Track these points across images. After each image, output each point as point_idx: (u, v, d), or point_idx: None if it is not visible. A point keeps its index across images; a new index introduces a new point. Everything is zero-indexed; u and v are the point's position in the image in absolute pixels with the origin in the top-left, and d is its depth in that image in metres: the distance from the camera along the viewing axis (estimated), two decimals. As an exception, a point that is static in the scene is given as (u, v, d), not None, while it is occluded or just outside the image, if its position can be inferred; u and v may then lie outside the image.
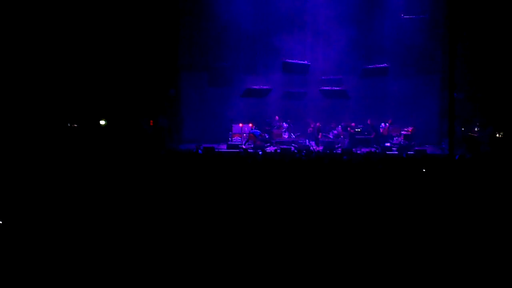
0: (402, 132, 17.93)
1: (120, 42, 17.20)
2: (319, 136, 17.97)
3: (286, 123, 18.99)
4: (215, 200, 7.02)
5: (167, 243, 5.49)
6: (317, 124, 18.28)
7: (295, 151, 15.07)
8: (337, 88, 18.77)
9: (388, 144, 17.58)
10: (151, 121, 17.98)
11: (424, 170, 9.45)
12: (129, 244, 5.46)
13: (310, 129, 18.71)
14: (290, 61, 18.39)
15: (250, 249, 5.33)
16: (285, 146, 16.83)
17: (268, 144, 17.95)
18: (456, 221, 6.22)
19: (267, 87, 18.80)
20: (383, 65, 18.43)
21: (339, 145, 17.69)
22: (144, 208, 6.67)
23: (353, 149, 16.30)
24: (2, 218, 6.08)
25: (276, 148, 17.10)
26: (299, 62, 18.47)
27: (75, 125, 17.13)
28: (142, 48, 17.47)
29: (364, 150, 16.28)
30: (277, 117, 18.95)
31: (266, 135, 18.37)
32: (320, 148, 17.18)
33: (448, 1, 17.24)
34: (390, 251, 5.30)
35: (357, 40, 18.57)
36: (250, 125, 18.27)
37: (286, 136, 18.57)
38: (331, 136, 18.47)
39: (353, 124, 18.14)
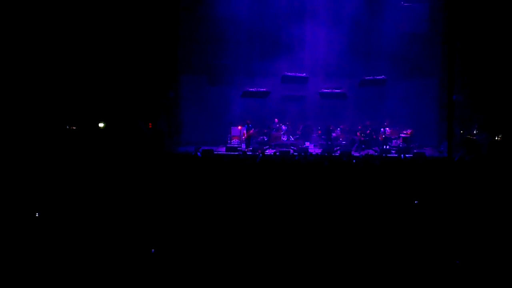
0: (401, 134, 17.94)
1: (119, 44, 17.19)
2: (299, 133, 18.69)
3: (285, 125, 19.00)
4: (214, 203, 7.01)
5: (166, 246, 5.47)
6: (301, 125, 18.81)
7: (295, 153, 15.05)
8: (337, 90, 18.89)
9: (387, 147, 17.59)
10: (150, 123, 17.97)
11: (420, 171, 9.49)
12: (127, 246, 5.45)
13: (299, 131, 18.94)
14: (289, 74, 19.00)
15: (249, 252, 5.31)
16: (284, 149, 16.83)
17: (267, 146, 17.95)
18: (455, 223, 6.22)
19: (265, 89, 18.91)
20: (381, 77, 18.72)
21: (338, 147, 17.70)
22: (143, 211, 6.65)
23: (352, 151, 16.31)
24: (2, 220, 6.06)
25: (275, 150, 17.10)
26: (298, 75, 18.88)
27: (74, 128, 17.11)
28: (141, 50, 17.46)
29: (363, 152, 16.30)
30: (276, 119, 18.95)
31: (265, 137, 18.38)
32: (319, 150, 17.20)
33: (447, 2, 17.33)
34: (389, 253, 5.29)
35: (357, 41, 18.64)
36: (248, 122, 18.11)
37: (285, 139, 18.57)
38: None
39: (359, 127, 18.23)
